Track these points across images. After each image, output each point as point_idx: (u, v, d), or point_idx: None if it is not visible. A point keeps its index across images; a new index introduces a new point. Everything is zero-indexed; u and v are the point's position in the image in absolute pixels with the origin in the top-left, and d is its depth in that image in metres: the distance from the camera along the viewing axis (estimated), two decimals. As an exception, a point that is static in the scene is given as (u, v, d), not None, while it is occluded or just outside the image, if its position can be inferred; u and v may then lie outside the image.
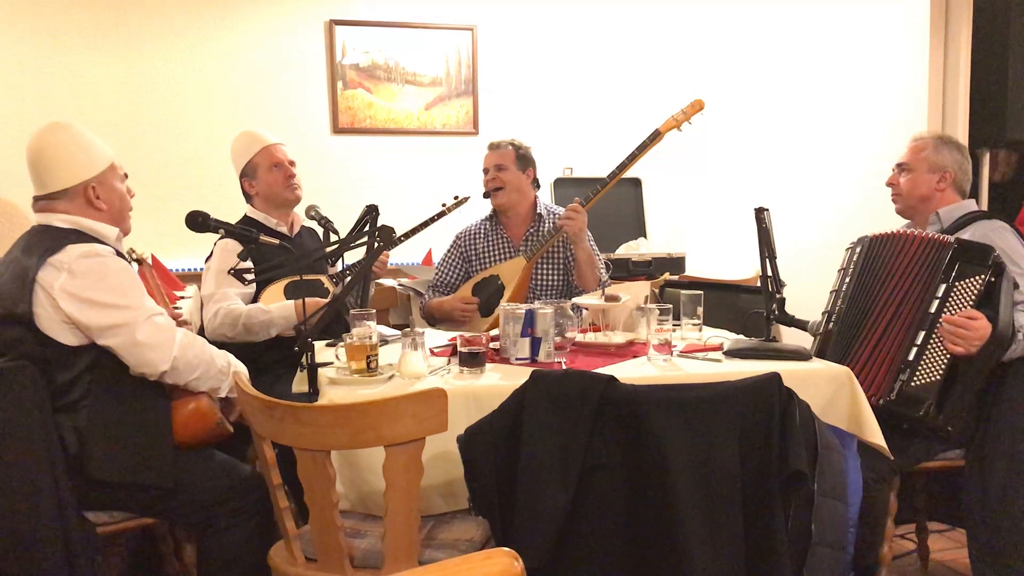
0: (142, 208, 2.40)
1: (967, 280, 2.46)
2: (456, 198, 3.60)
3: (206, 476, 2.27)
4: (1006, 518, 2.49)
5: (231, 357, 2.37)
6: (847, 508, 2.01)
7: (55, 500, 2.06)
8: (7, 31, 4.26)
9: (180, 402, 2.26)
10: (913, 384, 2.47)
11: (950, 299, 2.47)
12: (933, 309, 2.48)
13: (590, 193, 3.34)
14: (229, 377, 2.30)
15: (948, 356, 2.44)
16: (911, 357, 2.48)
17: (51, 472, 2.07)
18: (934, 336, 2.47)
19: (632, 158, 3.28)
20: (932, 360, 2.46)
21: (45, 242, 2.17)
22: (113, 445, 2.15)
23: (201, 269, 4.11)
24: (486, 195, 3.54)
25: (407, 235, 3.55)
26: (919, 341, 2.48)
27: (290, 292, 3.00)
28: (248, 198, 3.27)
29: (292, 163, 3.26)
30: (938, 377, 2.44)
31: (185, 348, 2.21)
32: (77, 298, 2.12)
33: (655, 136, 3.27)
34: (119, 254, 2.27)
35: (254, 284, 3.01)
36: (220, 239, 3.06)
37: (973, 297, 2.45)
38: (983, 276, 2.43)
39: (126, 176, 2.42)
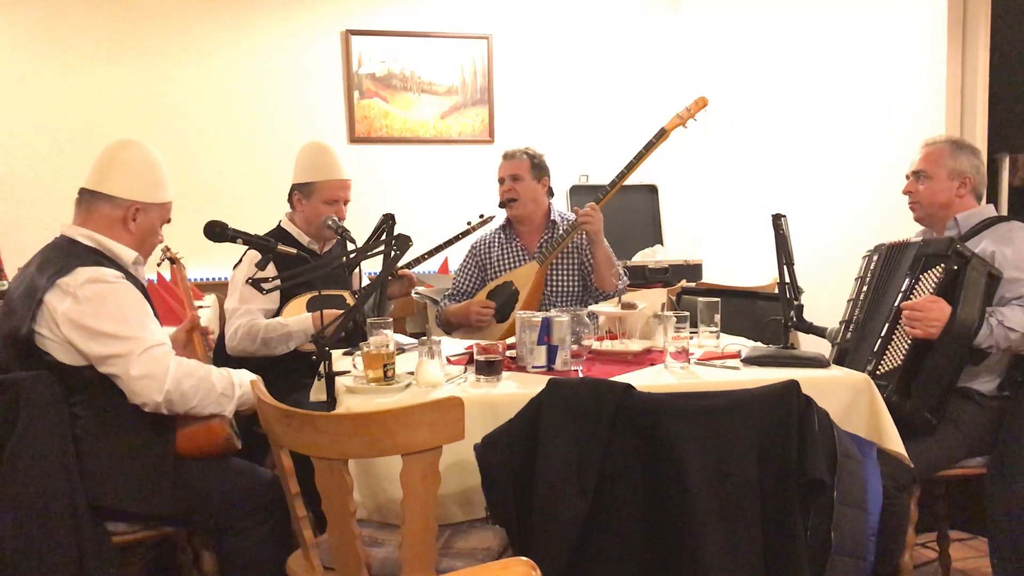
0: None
1: (930, 271, 2.54)
2: (481, 216, 3.61)
3: (222, 479, 2.28)
4: (1029, 526, 2.47)
5: (239, 376, 2.32)
6: (867, 516, 2.00)
7: (70, 509, 2.08)
8: (27, 45, 4.32)
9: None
10: (878, 372, 2.52)
11: (914, 290, 2.55)
12: (897, 302, 2.56)
13: (599, 195, 3.36)
14: (233, 400, 2.27)
15: (909, 343, 2.50)
16: (876, 348, 2.56)
17: (67, 482, 2.08)
18: (898, 325, 2.53)
19: (639, 157, 3.30)
20: (895, 348, 2.54)
21: (59, 260, 2.19)
22: (111, 470, 2.16)
23: (219, 279, 4.15)
24: (502, 205, 3.55)
25: (431, 253, 3.57)
26: (883, 332, 2.56)
27: (312, 307, 3.00)
28: (291, 207, 3.26)
29: (348, 201, 3.23)
30: (899, 363, 2.50)
31: (179, 380, 2.16)
32: (77, 325, 2.12)
33: (661, 134, 3.28)
34: (132, 277, 2.28)
35: (277, 297, 3.02)
36: (249, 248, 3.06)
37: (934, 285, 2.51)
38: (943, 264, 2.51)
39: (168, 221, 2.45)
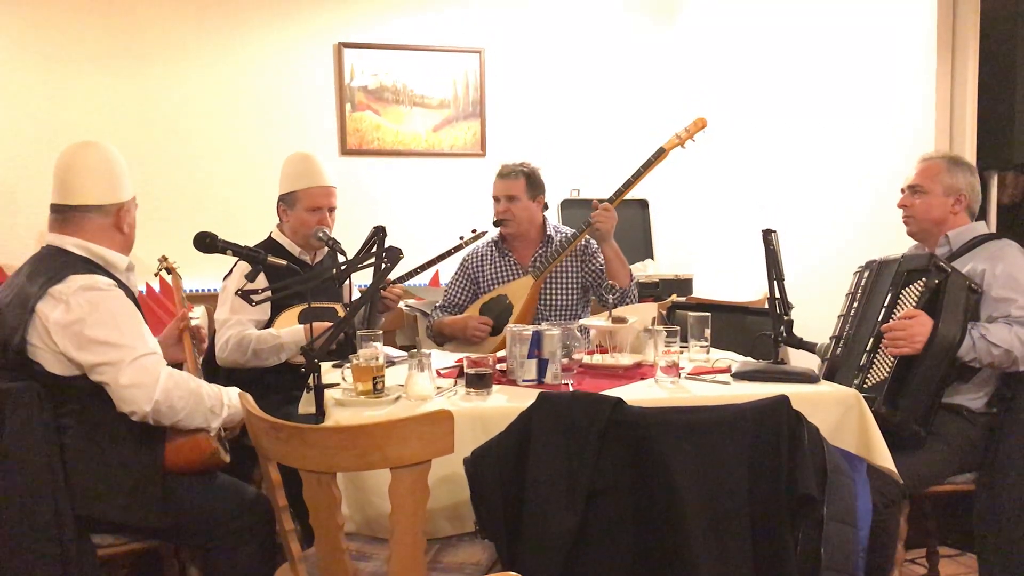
0: (151, 228, 2.42)
1: (912, 286, 2.58)
2: (474, 231, 3.61)
3: (208, 497, 2.26)
4: (1017, 542, 2.47)
5: (229, 394, 2.29)
6: (856, 532, 2.00)
7: (54, 521, 2.06)
8: (22, 55, 4.32)
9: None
10: (866, 386, 2.54)
11: (897, 305, 2.58)
12: (881, 317, 2.59)
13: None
14: (220, 417, 2.24)
15: (893, 356, 2.53)
16: (863, 362, 2.59)
17: (52, 493, 2.07)
18: (883, 340, 2.56)
19: (637, 176, 3.29)
20: (881, 362, 2.56)
21: (51, 269, 2.16)
22: (99, 481, 2.14)
23: (209, 290, 4.13)
24: (496, 223, 3.53)
25: (423, 267, 3.56)
26: (868, 347, 2.60)
27: (304, 319, 2.99)
28: (279, 219, 3.25)
29: (333, 208, 3.21)
30: (885, 376, 2.52)
31: (169, 391, 2.14)
32: (69, 332, 2.10)
33: (659, 154, 3.28)
34: (123, 285, 2.26)
35: (268, 308, 3.00)
36: (240, 259, 3.04)
37: (915, 300, 2.54)
38: (924, 279, 2.54)
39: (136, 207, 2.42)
